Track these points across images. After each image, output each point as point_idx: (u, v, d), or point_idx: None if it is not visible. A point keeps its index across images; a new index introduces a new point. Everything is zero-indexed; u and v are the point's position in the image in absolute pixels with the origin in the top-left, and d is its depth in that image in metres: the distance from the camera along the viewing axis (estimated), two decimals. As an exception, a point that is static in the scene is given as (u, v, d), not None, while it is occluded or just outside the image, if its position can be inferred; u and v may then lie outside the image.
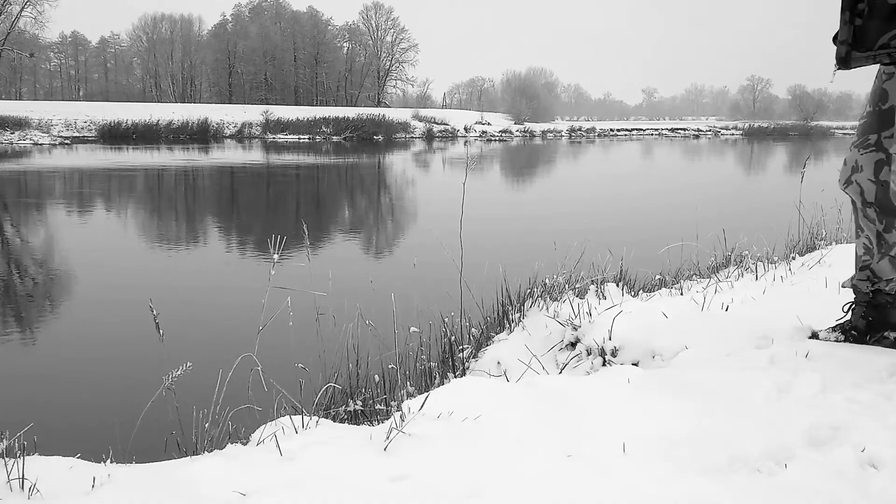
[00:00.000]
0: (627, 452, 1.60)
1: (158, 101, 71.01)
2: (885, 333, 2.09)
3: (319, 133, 41.44)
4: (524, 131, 54.64)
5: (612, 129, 62.98)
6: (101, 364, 4.84)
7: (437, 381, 2.89)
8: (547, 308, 2.97)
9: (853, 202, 2.06)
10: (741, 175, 24.74)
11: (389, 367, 2.93)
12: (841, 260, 3.40)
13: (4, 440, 1.52)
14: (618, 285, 3.29)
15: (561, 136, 56.05)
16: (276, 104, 59.86)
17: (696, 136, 59.93)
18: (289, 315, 2.64)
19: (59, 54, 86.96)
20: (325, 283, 3.03)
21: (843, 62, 1.80)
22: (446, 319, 3.32)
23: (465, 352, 3.12)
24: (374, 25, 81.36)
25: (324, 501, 1.38)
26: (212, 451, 1.65)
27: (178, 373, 1.78)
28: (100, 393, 4.30)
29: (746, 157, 34.86)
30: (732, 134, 62.89)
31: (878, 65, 1.92)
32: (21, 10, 45.76)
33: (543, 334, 2.76)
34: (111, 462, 1.51)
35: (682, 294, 3.21)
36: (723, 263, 4.05)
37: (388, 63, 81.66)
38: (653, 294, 3.32)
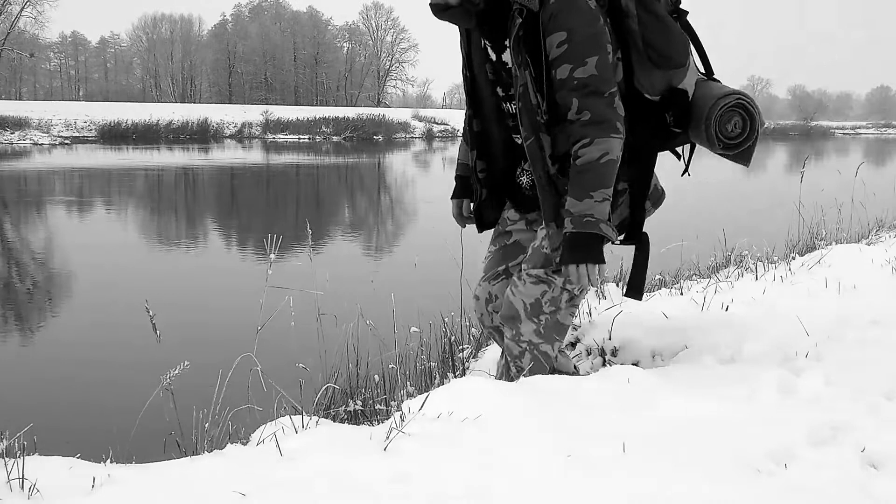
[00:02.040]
0: (628, 452, 1.60)
1: (158, 101, 70.99)
2: None
3: (319, 133, 41.39)
4: (524, 131, 54.46)
5: (612, 129, 62.76)
6: (101, 364, 4.84)
7: (437, 381, 2.89)
8: (547, 308, 2.96)
9: (494, 330, 2.24)
10: (741, 174, 24.73)
11: (389, 367, 2.94)
12: (841, 260, 3.40)
13: (4, 440, 1.52)
14: (618, 285, 3.29)
15: (561, 136, 55.88)
16: (276, 104, 59.83)
17: (696, 136, 59.80)
18: (290, 315, 2.64)
19: (59, 54, 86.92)
20: (325, 282, 3.03)
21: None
22: (446, 319, 3.32)
23: (465, 352, 3.12)
24: (373, 25, 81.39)
25: (324, 501, 1.38)
26: (212, 451, 1.65)
27: (176, 372, 1.78)
28: (100, 393, 4.30)
29: (746, 157, 34.73)
30: (732, 134, 62.71)
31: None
32: (21, 10, 45.75)
33: (543, 334, 2.75)
34: (111, 462, 1.51)
35: (681, 294, 3.21)
36: (723, 263, 4.05)
37: (388, 63, 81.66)
38: (653, 294, 3.32)
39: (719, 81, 2.01)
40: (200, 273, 8.07)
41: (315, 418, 1.75)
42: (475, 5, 1.79)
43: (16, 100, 61.59)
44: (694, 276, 3.87)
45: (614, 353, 2.51)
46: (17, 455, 1.41)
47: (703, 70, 2.02)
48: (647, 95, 1.87)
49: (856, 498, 1.48)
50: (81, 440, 2.20)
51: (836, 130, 66.08)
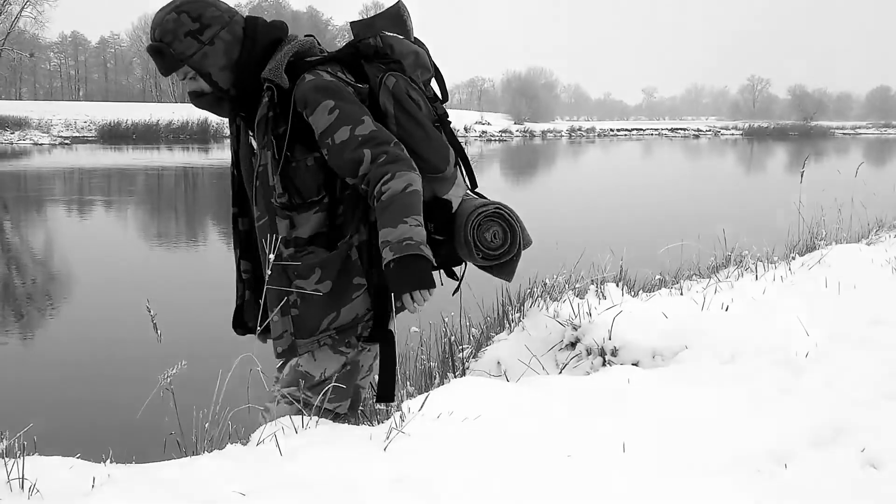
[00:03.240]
0: (628, 452, 1.59)
1: (158, 101, 70.87)
2: None
3: (319, 133, 41.31)
4: (524, 131, 54.65)
5: (611, 130, 62.97)
6: (101, 364, 4.84)
7: (436, 381, 2.89)
8: (547, 308, 2.96)
9: None
10: (741, 175, 24.76)
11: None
12: (841, 260, 3.40)
13: (4, 440, 1.51)
14: (618, 285, 3.29)
15: (561, 136, 56.08)
16: (276, 104, 59.55)
17: (696, 136, 59.96)
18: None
19: (59, 54, 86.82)
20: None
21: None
22: (446, 319, 3.32)
23: (464, 352, 3.12)
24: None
25: (323, 501, 1.38)
26: (212, 451, 1.64)
27: (174, 371, 1.78)
28: (100, 393, 4.30)
29: (746, 157, 34.87)
30: (732, 134, 62.90)
31: None
32: (21, 10, 45.67)
33: (543, 334, 2.76)
34: (111, 462, 1.51)
35: (681, 294, 3.21)
36: (723, 263, 4.04)
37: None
38: (653, 294, 3.32)
39: (485, 197, 1.99)
40: (201, 272, 8.07)
41: (315, 418, 1.75)
42: (226, 91, 1.77)
43: (16, 100, 61.52)
44: (694, 276, 3.87)
45: (614, 353, 2.51)
46: (17, 455, 1.40)
47: (470, 187, 1.99)
48: None
49: (856, 498, 1.48)
50: (81, 440, 2.19)
51: (837, 130, 66.14)
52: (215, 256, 9.14)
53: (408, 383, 2.90)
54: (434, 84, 1.97)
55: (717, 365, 2.24)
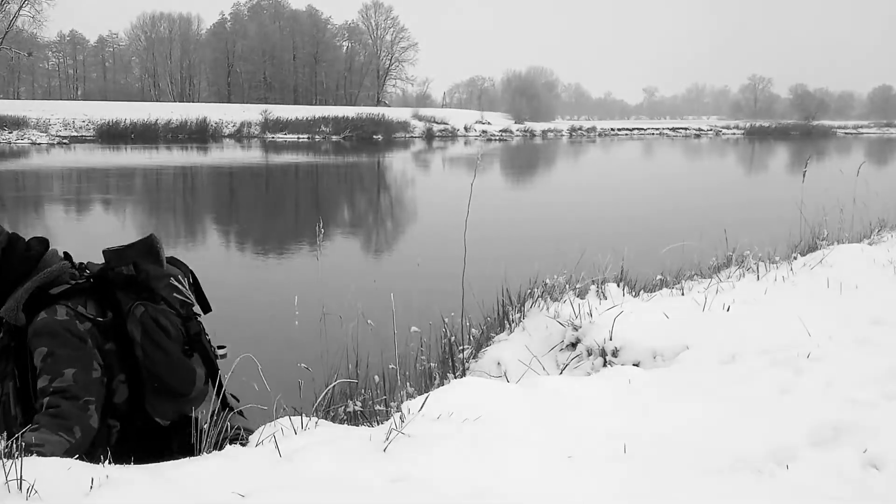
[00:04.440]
0: (629, 453, 1.59)
1: (157, 101, 70.86)
2: None
3: (319, 132, 41.43)
4: (524, 131, 54.68)
5: (612, 129, 63.00)
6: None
7: (436, 382, 2.88)
8: (547, 308, 2.96)
9: None
10: (742, 174, 24.77)
11: (389, 367, 2.92)
12: (843, 260, 3.40)
13: (2, 441, 1.50)
14: (619, 285, 3.29)
15: (561, 135, 56.13)
16: (275, 103, 59.74)
17: (697, 136, 60.00)
18: (294, 315, 2.63)
19: (58, 53, 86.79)
20: (325, 282, 3.02)
21: None
22: (446, 319, 3.31)
23: (465, 352, 3.11)
24: (373, 24, 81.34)
25: (323, 502, 1.37)
26: (211, 451, 1.64)
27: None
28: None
29: (748, 156, 34.88)
30: (734, 133, 62.92)
31: None
32: (19, 9, 45.66)
33: (544, 335, 2.76)
34: (109, 463, 1.50)
35: (683, 294, 3.21)
36: (724, 263, 4.04)
37: (388, 62, 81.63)
38: (654, 294, 3.32)
39: (236, 409, 1.97)
40: (198, 271, 8.05)
41: (314, 419, 1.75)
42: None
43: (14, 99, 61.46)
44: (695, 277, 3.87)
45: (615, 353, 2.51)
46: (16, 456, 1.40)
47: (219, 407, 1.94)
48: (157, 419, 1.84)
49: (857, 498, 1.47)
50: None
51: (838, 130, 66.14)
52: (214, 256, 9.13)
53: (408, 384, 2.90)
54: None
55: (717, 365, 2.23)
